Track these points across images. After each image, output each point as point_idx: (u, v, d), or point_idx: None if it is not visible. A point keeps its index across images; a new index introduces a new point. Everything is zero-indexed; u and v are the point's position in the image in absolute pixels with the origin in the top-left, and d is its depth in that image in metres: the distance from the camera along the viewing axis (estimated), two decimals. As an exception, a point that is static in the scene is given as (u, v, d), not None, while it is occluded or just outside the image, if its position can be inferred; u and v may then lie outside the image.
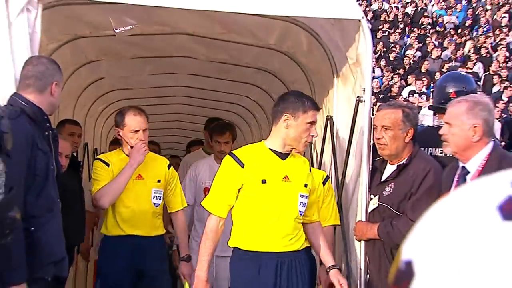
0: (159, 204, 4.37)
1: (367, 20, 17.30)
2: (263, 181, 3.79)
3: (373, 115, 4.55)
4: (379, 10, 23.18)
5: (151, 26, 4.99)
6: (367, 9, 22.49)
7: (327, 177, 4.63)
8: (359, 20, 4.25)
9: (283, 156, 3.92)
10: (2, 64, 3.66)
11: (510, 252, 0.89)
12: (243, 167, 3.79)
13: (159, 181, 4.39)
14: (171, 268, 5.21)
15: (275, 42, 5.28)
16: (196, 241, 5.14)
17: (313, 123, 3.92)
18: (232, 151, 4.00)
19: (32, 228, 3.34)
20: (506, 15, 22.55)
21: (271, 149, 3.90)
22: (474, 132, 3.65)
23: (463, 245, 0.94)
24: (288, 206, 3.90)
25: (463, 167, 3.76)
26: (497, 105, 15.90)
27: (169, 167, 4.62)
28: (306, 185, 4.02)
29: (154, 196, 4.34)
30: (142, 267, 4.21)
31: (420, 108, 13.75)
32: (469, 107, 3.65)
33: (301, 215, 3.98)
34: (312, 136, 4.02)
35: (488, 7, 23.40)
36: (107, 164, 4.17)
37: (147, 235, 4.26)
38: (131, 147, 4.20)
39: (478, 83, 16.27)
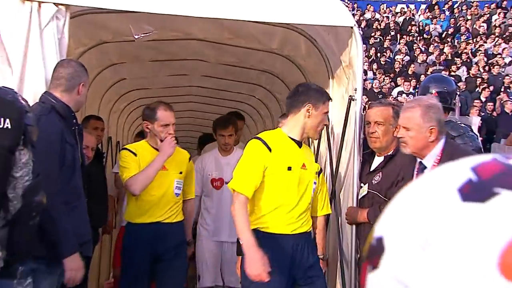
0: (179, 193, 4.27)
1: (361, 28, 17.26)
2: (289, 168, 3.70)
3: (363, 112, 4.57)
4: (372, 19, 23.08)
5: (166, 32, 5.00)
6: (361, 18, 22.41)
7: (321, 170, 4.60)
8: (352, 27, 4.26)
9: (299, 144, 3.86)
10: (35, 66, 3.68)
11: (467, 230, 0.91)
12: (270, 152, 3.66)
13: (180, 172, 4.32)
14: None
15: (277, 46, 5.29)
16: (204, 228, 5.14)
17: (327, 112, 3.90)
18: (258, 136, 3.84)
19: (70, 211, 3.42)
20: (484, 24, 22.51)
21: (290, 137, 3.80)
22: (430, 133, 3.68)
23: (426, 223, 0.96)
24: (306, 192, 3.87)
25: (420, 162, 3.79)
26: (475, 103, 15.91)
27: (189, 160, 4.55)
28: (317, 173, 4.06)
29: (176, 186, 4.25)
30: (161, 251, 4.13)
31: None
32: (423, 111, 3.66)
33: (312, 201, 3.97)
34: (324, 125, 3.98)
35: (469, 17, 23.34)
36: (135, 154, 4.08)
37: (168, 222, 4.16)
38: (161, 140, 4.12)
39: (458, 84, 16.30)
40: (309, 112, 3.75)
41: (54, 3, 3.70)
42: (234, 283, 4.80)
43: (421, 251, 0.93)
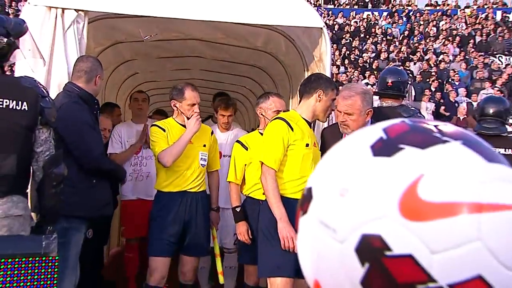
0: (204, 165, 3.98)
1: (334, 30, 17.08)
2: (307, 145, 3.48)
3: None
4: (343, 23, 22.93)
5: (170, 33, 4.95)
6: (334, 22, 22.27)
7: None
8: (321, 28, 4.24)
9: (310, 125, 3.68)
10: (59, 61, 3.68)
11: (376, 179, 0.90)
12: (292, 131, 3.43)
13: (204, 145, 4.02)
14: None
15: (261, 45, 5.25)
16: None
17: (334, 99, 3.70)
18: (281, 116, 3.57)
19: (94, 181, 3.42)
20: (434, 28, 22.54)
21: (303, 118, 3.59)
22: (367, 115, 3.64)
23: (344, 174, 0.95)
24: (315, 165, 3.70)
25: None
26: (426, 92, 16.07)
27: (211, 133, 4.23)
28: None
29: (201, 158, 3.96)
30: (187, 219, 3.84)
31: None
32: (362, 98, 3.61)
33: None
34: (332, 110, 3.78)
35: (421, 22, 23.34)
36: (164, 130, 3.82)
37: (194, 191, 3.90)
38: (187, 117, 3.84)
39: (411, 75, 16.52)
40: (320, 97, 3.58)
41: (74, 9, 3.68)
42: (228, 245, 4.70)
43: (340, 197, 0.92)
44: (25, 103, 2.49)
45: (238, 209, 3.83)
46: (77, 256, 3.36)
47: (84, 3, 3.73)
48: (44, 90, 2.68)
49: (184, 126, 3.88)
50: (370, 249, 0.87)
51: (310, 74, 4.06)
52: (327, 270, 0.94)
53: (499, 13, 23.28)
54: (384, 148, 0.92)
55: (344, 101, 3.62)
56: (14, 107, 2.44)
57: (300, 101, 3.77)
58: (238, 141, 4.20)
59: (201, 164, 3.94)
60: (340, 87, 4.00)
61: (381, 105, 4.52)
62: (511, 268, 0.89)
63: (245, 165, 4.02)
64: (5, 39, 2.49)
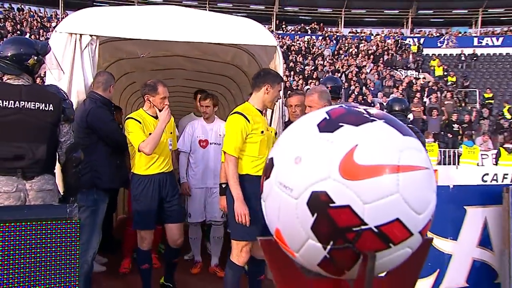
0: (171, 148, 3.61)
1: (283, 49, 16.90)
2: (262, 132, 3.15)
3: (285, 98, 4.45)
4: (290, 44, 22.91)
5: (160, 52, 4.79)
6: (283, 43, 22.21)
7: (276, 133, 4.12)
8: (276, 46, 4.18)
9: (261, 113, 3.33)
10: (78, 74, 3.62)
11: (322, 149, 0.88)
12: (249, 122, 3.10)
13: (171, 133, 3.62)
14: None
15: (230, 59, 5.14)
16: (192, 178, 4.34)
17: (280, 90, 3.37)
18: (237, 110, 3.22)
19: (118, 162, 3.39)
20: (355, 49, 22.80)
21: (256, 108, 3.25)
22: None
23: (298, 146, 0.93)
24: (270, 146, 3.26)
25: None
26: (351, 95, 16.24)
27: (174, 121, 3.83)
28: (275, 134, 3.54)
29: (169, 143, 3.58)
30: (164, 195, 3.46)
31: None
32: (319, 94, 3.54)
33: None
34: (278, 99, 3.46)
35: (346, 44, 23.58)
36: (139, 122, 3.40)
37: (167, 171, 3.50)
38: (159, 110, 3.46)
39: (343, 81, 16.67)
40: (268, 90, 3.23)
41: (89, 35, 3.64)
42: (217, 218, 4.20)
43: (295, 164, 0.90)
44: (50, 105, 2.48)
45: (223, 186, 3.61)
46: (101, 221, 3.29)
47: (96, 30, 3.68)
48: (65, 95, 2.63)
49: (155, 117, 3.50)
50: (318, 202, 0.87)
51: (259, 70, 3.73)
52: (286, 220, 0.93)
53: (399, 39, 23.99)
54: (328, 125, 0.91)
55: (307, 97, 3.61)
56: (43, 108, 2.46)
57: (251, 93, 3.46)
58: None
59: (170, 149, 3.62)
60: (290, 91, 3.95)
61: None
62: (419, 213, 0.90)
63: None
64: (36, 57, 2.51)
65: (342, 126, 0.90)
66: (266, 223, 1.02)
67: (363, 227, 0.85)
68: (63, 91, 2.63)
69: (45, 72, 2.90)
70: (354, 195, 0.85)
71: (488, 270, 3.63)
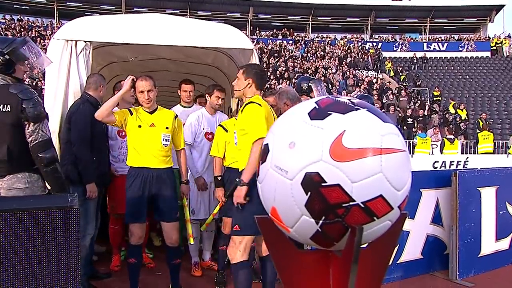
0: (167, 144, 3.12)
1: (257, 51, 16.80)
2: (225, 129, 3.13)
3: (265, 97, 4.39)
4: (263, 47, 22.85)
5: (147, 55, 4.71)
6: (257, 46, 22.13)
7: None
8: (252, 49, 4.17)
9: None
10: (74, 76, 3.52)
11: (313, 135, 0.89)
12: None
13: (167, 128, 3.11)
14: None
15: (211, 61, 5.10)
16: (195, 170, 3.80)
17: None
18: (253, 101, 2.69)
19: (94, 158, 3.20)
20: (322, 52, 22.98)
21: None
22: (287, 106, 3.29)
23: (291, 133, 0.93)
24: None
25: None
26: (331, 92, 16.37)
27: (175, 117, 3.25)
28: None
29: (163, 138, 3.08)
30: (156, 191, 3.06)
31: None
32: (278, 96, 3.39)
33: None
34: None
35: (314, 48, 23.75)
36: (131, 113, 3.05)
37: (159, 167, 3.06)
38: (141, 104, 3.13)
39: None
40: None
41: (84, 41, 3.58)
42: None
43: (289, 149, 0.91)
44: (7, 106, 2.25)
45: (219, 178, 3.45)
46: (95, 209, 3.24)
47: (89, 36, 3.62)
48: (30, 94, 2.30)
49: (150, 112, 3.13)
50: (311, 182, 0.87)
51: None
52: (281, 199, 0.93)
53: (360, 43, 24.41)
54: (318, 114, 0.92)
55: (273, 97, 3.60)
56: (1, 109, 2.24)
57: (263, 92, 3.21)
58: (220, 125, 3.60)
59: (164, 144, 3.11)
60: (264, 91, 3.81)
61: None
62: (398, 190, 0.92)
63: (225, 143, 3.48)
64: (1, 57, 2.25)
65: (330, 114, 0.92)
66: (263, 203, 1.02)
67: (351, 203, 0.87)
68: (30, 91, 2.34)
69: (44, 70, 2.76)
70: (343, 175, 0.87)
71: (439, 243, 3.80)
